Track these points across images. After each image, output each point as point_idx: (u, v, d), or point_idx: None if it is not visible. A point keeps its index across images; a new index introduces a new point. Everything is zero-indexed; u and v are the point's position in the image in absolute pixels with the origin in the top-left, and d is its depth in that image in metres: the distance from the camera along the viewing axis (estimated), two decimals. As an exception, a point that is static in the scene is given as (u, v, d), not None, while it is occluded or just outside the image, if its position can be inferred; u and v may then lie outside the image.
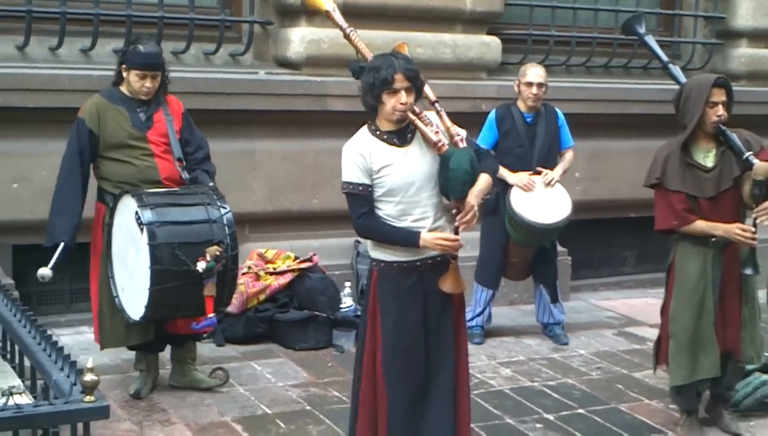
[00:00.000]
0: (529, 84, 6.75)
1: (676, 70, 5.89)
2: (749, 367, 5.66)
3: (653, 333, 7.28)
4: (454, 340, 4.40)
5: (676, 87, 8.23)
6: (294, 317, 6.65)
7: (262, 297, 6.73)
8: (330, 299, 6.84)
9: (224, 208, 5.27)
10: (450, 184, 4.19)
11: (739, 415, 5.69)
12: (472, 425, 4.67)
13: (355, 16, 6.99)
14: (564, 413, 5.74)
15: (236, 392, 5.80)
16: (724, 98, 5.15)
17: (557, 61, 8.37)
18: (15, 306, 4.51)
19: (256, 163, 7.24)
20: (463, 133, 4.35)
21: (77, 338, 6.47)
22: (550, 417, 5.66)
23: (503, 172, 6.57)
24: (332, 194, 7.35)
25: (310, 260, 6.98)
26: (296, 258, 7.01)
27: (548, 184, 6.71)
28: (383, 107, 4.18)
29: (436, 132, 4.25)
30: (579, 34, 8.44)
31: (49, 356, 3.83)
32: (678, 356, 5.32)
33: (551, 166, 6.84)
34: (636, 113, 8.48)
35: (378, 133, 4.26)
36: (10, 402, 3.35)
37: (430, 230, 4.25)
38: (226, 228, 5.22)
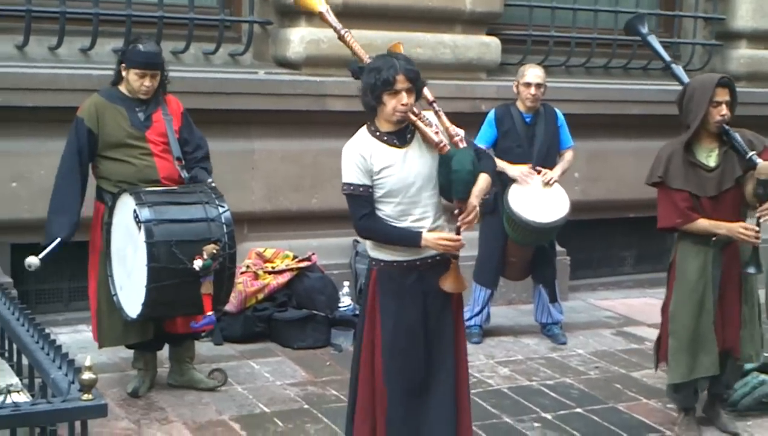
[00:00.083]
0: (528, 84, 6.76)
1: (679, 70, 5.90)
2: (747, 366, 5.67)
3: (652, 333, 7.31)
4: (453, 338, 4.41)
5: (676, 88, 8.26)
6: (292, 316, 6.66)
7: (260, 296, 6.74)
8: (328, 298, 6.85)
9: (222, 206, 5.28)
10: (453, 184, 4.19)
11: (737, 415, 5.69)
12: (470, 425, 4.68)
13: (355, 16, 7.04)
14: (562, 412, 5.74)
15: (234, 390, 5.81)
16: (727, 98, 5.16)
17: (557, 61, 8.37)
18: (13, 305, 4.52)
19: (255, 163, 7.24)
20: (461, 132, 4.36)
21: (75, 337, 6.48)
22: (548, 416, 5.67)
23: (502, 164, 6.56)
24: (331, 194, 7.36)
25: (308, 259, 6.99)
26: (295, 257, 7.02)
27: (547, 183, 6.71)
28: (384, 108, 4.18)
29: (437, 132, 4.26)
30: (578, 35, 8.45)
31: (47, 354, 3.83)
32: (677, 354, 5.33)
33: (550, 166, 6.84)
34: (635, 114, 8.49)
35: (378, 133, 4.26)
36: (8, 400, 3.36)
37: (430, 230, 4.26)
38: (224, 227, 5.23)
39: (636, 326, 7.63)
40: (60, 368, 3.66)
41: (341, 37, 4.68)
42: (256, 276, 6.79)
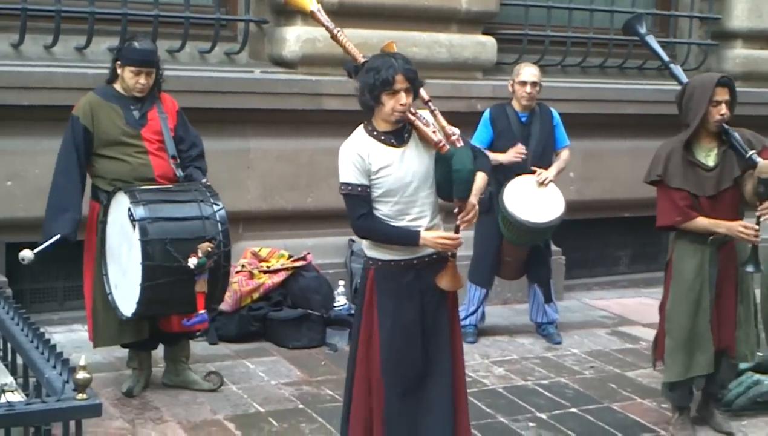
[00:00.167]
0: (523, 83, 6.77)
1: (677, 69, 5.91)
2: (742, 366, 5.68)
3: (646, 333, 7.34)
4: (449, 335, 4.43)
5: (672, 87, 8.27)
6: (287, 316, 6.66)
7: (255, 295, 6.74)
8: (324, 297, 6.84)
9: (217, 205, 5.27)
10: (454, 184, 4.19)
11: (731, 414, 5.70)
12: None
13: (351, 15, 7.04)
14: (557, 412, 5.75)
15: (229, 390, 5.80)
16: (727, 97, 5.17)
17: (552, 61, 8.38)
18: (8, 304, 4.51)
19: (251, 162, 7.24)
20: (457, 131, 4.37)
21: (70, 336, 6.47)
22: (543, 416, 5.67)
23: (494, 155, 6.53)
24: (327, 193, 7.37)
25: (304, 258, 6.99)
26: (290, 257, 7.02)
27: (542, 183, 6.71)
28: (382, 108, 4.18)
29: (434, 131, 4.27)
30: (574, 34, 8.45)
31: (42, 353, 3.83)
32: (674, 352, 5.34)
33: (546, 166, 6.84)
34: (631, 113, 8.49)
35: (375, 133, 4.26)
36: (2, 400, 3.36)
37: (427, 229, 4.27)
38: (219, 225, 5.23)
39: (631, 326, 7.63)
40: (54, 367, 3.66)
41: (334, 37, 4.68)
42: (252, 275, 6.79)
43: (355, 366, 4.42)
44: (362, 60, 4.51)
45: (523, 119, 6.85)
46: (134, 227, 5.10)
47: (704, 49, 9.13)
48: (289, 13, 7.31)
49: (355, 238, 7.32)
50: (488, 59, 7.95)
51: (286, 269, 6.85)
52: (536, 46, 8.25)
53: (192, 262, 5.04)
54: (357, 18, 7.13)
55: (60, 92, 6.31)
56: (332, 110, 7.27)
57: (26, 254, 5.25)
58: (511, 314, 7.70)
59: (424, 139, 4.27)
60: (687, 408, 5.53)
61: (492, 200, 6.63)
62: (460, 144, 4.29)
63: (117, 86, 5.50)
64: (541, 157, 6.85)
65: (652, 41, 6.10)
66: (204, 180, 5.51)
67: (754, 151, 5.13)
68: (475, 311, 6.97)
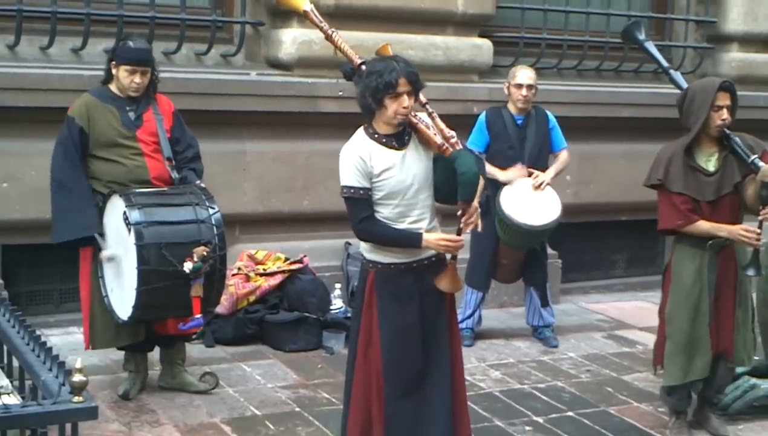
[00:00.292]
0: (519, 86, 6.76)
1: (677, 75, 5.91)
2: (738, 370, 5.68)
3: (643, 336, 7.34)
4: (448, 337, 4.44)
5: (667, 91, 8.29)
6: (284, 319, 6.65)
7: (252, 298, 6.73)
8: (320, 300, 6.83)
9: (213, 208, 5.26)
10: (460, 186, 4.20)
11: (727, 418, 5.69)
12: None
13: (347, 17, 7.04)
14: (553, 415, 5.74)
15: (225, 393, 5.79)
16: (728, 102, 5.18)
17: (548, 64, 8.38)
18: (4, 306, 4.51)
19: (247, 164, 7.23)
20: (454, 134, 4.38)
21: (66, 339, 6.45)
22: (540, 420, 5.66)
23: (493, 170, 6.57)
24: (323, 196, 7.37)
25: (300, 261, 6.98)
26: (286, 259, 7.01)
27: (538, 187, 6.71)
28: (384, 111, 4.18)
29: (435, 134, 4.30)
30: (570, 37, 8.45)
31: (38, 356, 3.82)
32: (673, 356, 5.34)
33: (542, 168, 6.84)
34: (627, 117, 8.50)
35: (376, 136, 4.26)
36: (-1, 403, 3.35)
37: (426, 232, 4.28)
38: (215, 228, 5.21)
39: (627, 330, 7.63)
40: (51, 370, 3.65)
41: (329, 37, 4.67)
42: (248, 278, 6.78)
43: (354, 368, 4.42)
44: (359, 61, 4.51)
45: (519, 122, 6.85)
46: (129, 231, 5.08)
47: (700, 52, 9.14)
48: (285, 15, 7.30)
49: (351, 240, 7.36)
50: (484, 62, 7.95)
51: (283, 271, 6.84)
52: (532, 49, 8.25)
53: (188, 266, 5.03)
54: (353, 20, 7.13)
55: (56, 94, 6.30)
56: (328, 112, 7.27)
57: (110, 253, 5.24)
58: (508, 318, 7.69)
59: (425, 142, 4.28)
60: (684, 412, 5.52)
61: (489, 203, 6.62)
62: (458, 147, 4.30)
63: (112, 87, 5.48)
64: (536, 160, 6.84)
65: (652, 48, 6.10)
66: (198, 182, 5.50)
67: (756, 155, 5.13)
68: (472, 315, 6.97)
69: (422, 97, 4.40)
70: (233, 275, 6.71)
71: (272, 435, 5.26)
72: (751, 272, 5.24)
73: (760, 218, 5.10)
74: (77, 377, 3.36)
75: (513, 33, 8.24)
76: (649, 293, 8.66)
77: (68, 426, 3.44)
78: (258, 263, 6.99)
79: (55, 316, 6.85)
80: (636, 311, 8.15)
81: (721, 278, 5.30)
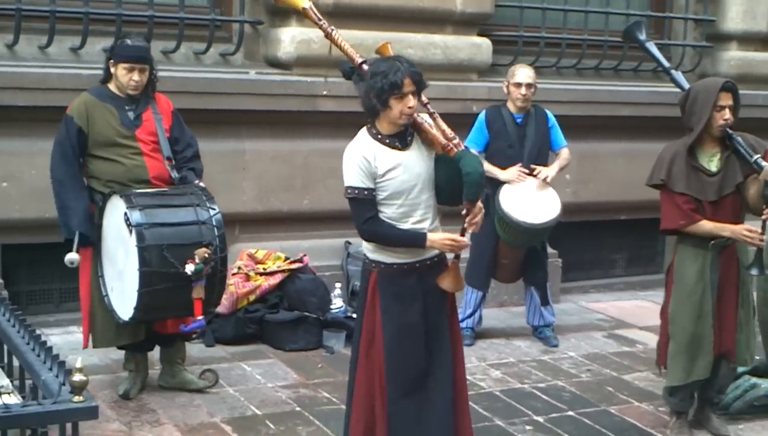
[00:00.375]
0: (518, 85, 6.76)
1: (678, 75, 5.90)
2: (739, 370, 5.68)
3: (643, 336, 7.35)
4: (450, 336, 4.47)
5: (666, 90, 8.29)
6: (284, 318, 6.64)
7: (252, 298, 6.72)
8: (320, 299, 6.82)
9: (213, 209, 5.25)
10: (465, 186, 4.22)
11: (728, 418, 5.69)
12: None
13: (346, 16, 7.03)
14: (554, 415, 5.74)
15: (226, 392, 5.78)
16: (731, 102, 5.18)
17: (547, 62, 8.37)
18: (4, 306, 4.50)
19: (246, 164, 7.22)
20: (455, 135, 4.39)
21: (67, 338, 6.44)
22: (540, 419, 5.66)
23: (493, 169, 6.57)
24: (322, 195, 7.36)
25: (300, 260, 6.97)
26: (286, 259, 7.00)
27: (543, 180, 6.69)
28: (389, 111, 4.18)
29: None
30: (569, 36, 8.45)
31: (38, 355, 3.82)
32: (676, 356, 5.34)
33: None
34: (626, 115, 8.49)
35: (380, 136, 4.27)
36: (-1, 402, 3.35)
37: (429, 232, 4.30)
38: (215, 230, 5.20)
39: (627, 329, 7.62)
40: (51, 369, 3.65)
41: (328, 35, 4.66)
42: (248, 277, 6.77)
43: (357, 368, 4.42)
44: (359, 60, 4.51)
45: (519, 121, 6.84)
46: (131, 232, 5.07)
47: (699, 51, 9.14)
48: (284, 14, 7.30)
49: (351, 240, 7.35)
50: (483, 61, 7.95)
51: (283, 271, 6.83)
52: (531, 47, 8.25)
53: (189, 268, 5.02)
54: (352, 19, 7.12)
55: (55, 93, 6.29)
56: (327, 111, 7.26)
57: (74, 257, 5.21)
58: (508, 317, 7.68)
59: (428, 142, 4.30)
60: (685, 413, 5.52)
61: (488, 202, 6.62)
62: (461, 147, 4.32)
63: (111, 86, 5.47)
64: (536, 158, 6.83)
65: (653, 48, 6.09)
66: (197, 181, 5.49)
67: (758, 155, 5.13)
68: (472, 314, 6.96)
69: (423, 97, 4.40)
70: (233, 274, 6.70)
71: (273, 435, 5.25)
72: (754, 272, 5.25)
73: (763, 217, 5.10)
74: (77, 377, 3.35)
75: (512, 32, 8.23)
76: (648, 292, 8.67)
77: (69, 426, 3.44)
78: (258, 262, 6.98)
79: (55, 315, 6.85)
80: (636, 310, 8.15)
81: (723, 277, 5.30)
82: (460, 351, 4.55)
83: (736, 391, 5.75)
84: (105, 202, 5.33)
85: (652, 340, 7.11)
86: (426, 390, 4.38)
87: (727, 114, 5.15)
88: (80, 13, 6.65)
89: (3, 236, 6.54)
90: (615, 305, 8.31)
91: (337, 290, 7.03)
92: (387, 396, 4.33)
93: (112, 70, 5.43)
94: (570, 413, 5.79)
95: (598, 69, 8.74)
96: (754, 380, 5.78)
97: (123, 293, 5.17)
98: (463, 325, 6.78)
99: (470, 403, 5.54)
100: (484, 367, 6.52)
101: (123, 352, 5.73)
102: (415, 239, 4.27)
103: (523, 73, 6.80)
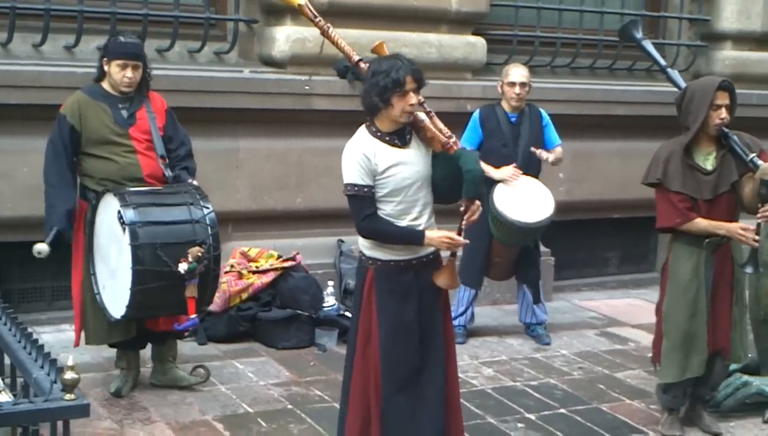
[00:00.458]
0: (512, 84, 6.77)
1: (675, 74, 5.91)
2: (731, 368, 5.70)
3: (635, 333, 7.36)
4: (443, 333, 4.50)
5: (661, 89, 8.31)
6: (276, 316, 6.64)
7: (244, 296, 6.72)
8: (313, 298, 6.83)
9: (207, 208, 5.25)
10: (466, 184, 4.27)
11: (719, 415, 5.71)
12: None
13: (341, 15, 7.03)
14: (546, 412, 5.75)
15: (218, 390, 5.79)
16: (727, 101, 5.19)
17: (542, 62, 8.38)
18: (-5, 303, 4.49)
19: (240, 162, 7.22)
20: (451, 134, 4.43)
21: (58, 336, 6.44)
22: (532, 417, 5.68)
23: (487, 168, 6.57)
24: (316, 193, 7.37)
25: (293, 258, 6.97)
26: (279, 257, 7.00)
27: (546, 160, 6.69)
28: (391, 109, 4.21)
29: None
30: (564, 35, 8.46)
31: (29, 353, 3.81)
32: (671, 353, 5.36)
33: (535, 167, 6.85)
34: (620, 114, 8.50)
35: (379, 134, 4.29)
36: (-10, 400, 3.34)
37: (426, 229, 4.34)
38: (209, 228, 5.20)
39: (620, 327, 7.64)
40: (42, 367, 3.64)
41: (324, 33, 4.66)
42: (241, 276, 6.77)
43: (353, 366, 4.44)
44: (356, 58, 4.53)
45: (513, 120, 6.85)
46: (124, 230, 5.07)
47: (693, 50, 9.15)
48: (278, 13, 7.30)
49: (344, 238, 7.36)
50: (478, 60, 7.96)
51: (275, 269, 6.84)
52: (526, 46, 8.25)
53: (182, 267, 5.02)
54: (347, 18, 7.12)
55: (49, 91, 6.29)
56: (322, 110, 7.27)
57: (42, 248, 5.22)
58: (500, 315, 7.70)
59: (427, 140, 4.34)
60: (677, 409, 5.54)
61: (482, 201, 6.61)
62: (458, 146, 4.38)
63: (105, 84, 5.48)
64: (530, 157, 6.83)
65: (649, 46, 6.10)
66: (190, 180, 5.49)
67: (754, 154, 5.15)
68: (465, 312, 6.97)
69: (420, 97, 4.42)
70: (226, 272, 6.70)
71: (264, 432, 5.26)
72: (749, 270, 5.27)
73: (758, 216, 5.12)
74: (69, 375, 3.34)
75: (506, 31, 8.24)
76: (641, 290, 8.69)
77: (60, 424, 3.42)
78: (251, 260, 6.98)
79: (47, 313, 6.85)
80: (628, 308, 8.17)
81: (717, 275, 5.32)
82: (452, 349, 4.58)
83: (728, 389, 5.77)
84: (98, 200, 5.33)
85: (644, 338, 7.15)
86: (419, 387, 4.41)
87: (723, 113, 5.16)
88: (74, 11, 6.65)
89: (-5, 233, 6.54)
90: (607, 303, 8.33)
91: (330, 288, 7.04)
92: (381, 392, 4.36)
93: (106, 68, 5.43)
94: (562, 410, 5.81)
95: (593, 68, 8.75)
96: (745, 377, 5.80)
97: (115, 291, 5.18)
98: (455, 323, 6.75)
99: (462, 401, 5.55)
100: (476, 365, 6.53)
101: (115, 350, 5.74)
102: (413, 236, 4.30)
103: (517, 72, 6.81)
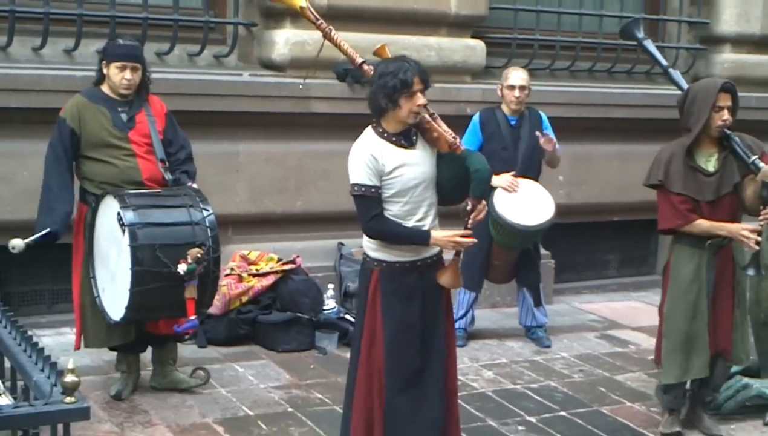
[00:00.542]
0: (512, 87, 6.77)
1: (676, 75, 5.91)
2: (731, 370, 5.70)
3: (635, 336, 7.36)
4: (445, 333, 4.52)
5: (660, 92, 8.32)
6: (276, 319, 6.64)
7: (244, 299, 6.72)
8: (313, 300, 6.83)
9: (207, 210, 5.26)
10: (474, 183, 4.32)
11: (720, 418, 5.71)
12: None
13: (340, 18, 7.03)
14: (546, 415, 5.75)
15: (218, 393, 5.79)
16: (729, 103, 5.19)
17: (541, 65, 8.39)
18: (-4, 307, 4.48)
19: (240, 165, 7.23)
20: (455, 135, 4.47)
21: (58, 339, 6.44)
22: (533, 420, 5.67)
23: None
24: (315, 196, 7.37)
25: (293, 261, 6.97)
26: (279, 260, 7.01)
27: (548, 142, 6.67)
28: (399, 110, 4.23)
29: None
30: (563, 38, 8.47)
31: (30, 357, 3.81)
32: (671, 354, 5.36)
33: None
34: (619, 117, 8.50)
35: (386, 135, 4.31)
36: (-10, 403, 3.34)
37: (429, 229, 4.36)
38: (209, 230, 5.21)
39: (620, 330, 7.63)
40: (42, 370, 3.64)
41: (326, 35, 4.66)
42: (241, 278, 6.77)
43: (357, 369, 4.45)
44: (360, 60, 4.54)
45: (513, 123, 6.85)
46: (124, 232, 5.08)
47: (693, 53, 9.16)
48: (278, 16, 7.31)
49: (344, 241, 7.36)
50: (477, 63, 7.96)
51: (276, 272, 6.84)
52: (525, 50, 8.26)
53: (182, 268, 5.02)
54: (346, 21, 7.12)
55: (48, 94, 6.30)
56: (321, 113, 7.27)
57: (17, 243, 5.23)
58: (501, 318, 7.69)
59: (434, 140, 4.37)
60: (677, 410, 5.54)
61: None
62: (463, 147, 4.41)
63: (104, 88, 5.48)
64: (530, 161, 6.84)
65: (651, 46, 6.09)
66: (190, 183, 5.50)
67: (756, 156, 5.15)
68: (465, 315, 6.97)
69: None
70: (226, 275, 6.71)
71: (265, 435, 5.26)
72: (751, 272, 5.26)
73: (760, 218, 5.12)
74: (69, 378, 3.34)
75: (506, 34, 8.24)
76: (641, 293, 8.69)
77: (60, 427, 3.43)
78: (251, 263, 6.98)
79: (47, 316, 6.85)
80: (628, 311, 8.16)
81: (719, 277, 5.32)
82: (453, 350, 4.60)
83: (728, 391, 5.76)
84: (98, 203, 5.33)
85: (644, 340, 7.15)
86: (421, 387, 4.42)
87: (725, 115, 5.16)
88: (74, 14, 6.66)
89: (-5, 236, 6.54)
90: (607, 306, 8.32)
91: (330, 291, 7.03)
92: (385, 391, 4.37)
93: (105, 70, 5.44)
94: (562, 413, 5.80)
95: (592, 71, 8.76)
96: (746, 380, 5.80)
97: (115, 293, 5.18)
98: (455, 326, 6.77)
99: (463, 403, 5.59)
100: (476, 367, 6.53)
101: (115, 353, 5.74)
102: (419, 237, 4.33)
103: (516, 75, 6.81)
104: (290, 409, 5.62)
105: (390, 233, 4.33)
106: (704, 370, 5.32)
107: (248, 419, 5.44)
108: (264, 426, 5.36)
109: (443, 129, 4.39)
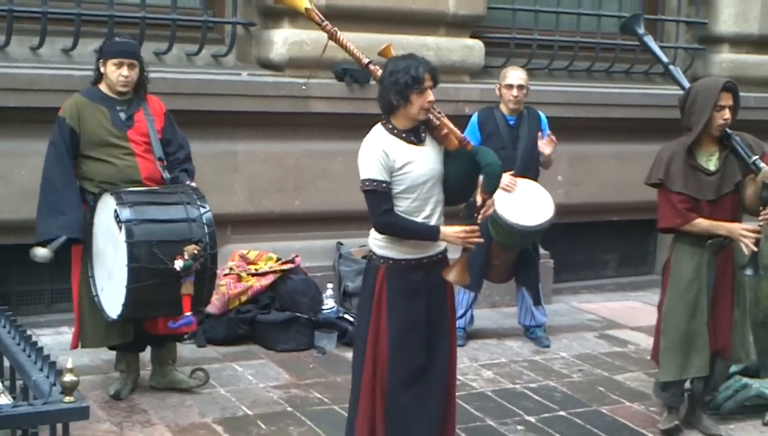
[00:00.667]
0: (510, 86, 6.77)
1: (677, 71, 5.91)
2: (731, 370, 5.70)
3: (634, 336, 7.36)
4: (448, 330, 4.55)
5: (658, 91, 8.32)
6: (276, 319, 6.64)
7: (243, 298, 6.72)
8: (312, 300, 6.82)
9: (204, 207, 5.26)
10: (486, 178, 4.36)
11: (719, 418, 5.71)
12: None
13: (338, 18, 6.96)
14: (545, 415, 5.74)
15: (217, 393, 5.78)
16: (731, 102, 5.19)
17: (540, 64, 8.39)
18: (-6, 306, 4.48)
19: (238, 165, 7.22)
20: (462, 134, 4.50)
21: (57, 339, 6.43)
22: (532, 419, 5.67)
23: None
24: (314, 196, 7.37)
25: (292, 261, 6.97)
26: (278, 259, 7.00)
27: (550, 145, 6.68)
28: (409, 107, 4.25)
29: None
30: (561, 38, 8.46)
31: (29, 356, 3.81)
32: (669, 352, 5.36)
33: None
34: (617, 117, 8.50)
35: (396, 131, 4.34)
36: (-11, 402, 3.34)
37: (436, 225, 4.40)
38: (206, 227, 5.21)
39: (619, 329, 7.63)
40: (41, 370, 3.64)
41: (332, 36, 4.64)
42: (239, 278, 6.77)
43: (362, 368, 4.44)
44: (366, 60, 4.54)
45: (511, 122, 6.85)
46: (120, 228, 5.08)
47: (691, 53, 9.16)
48: (276, 16, 7.30)
49: (343, 241, 7.36)
50: (475, 63, 7.96)
51: (274, 271, 6.84)
52: (523, 49, 8.26)
53: (178, 264, 5.03)
54: (344, 21, 7.05)
55: (46, 94, 6.29)
56: (319, 113, 7.27)
57: (42, 253, 5.21)
58: (500, 318, 7.69)
59: (442, 137, 4.39)
60: (676, 408, 5.54)
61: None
62: (470, 145, 4.43)
63: (102, 87, 5.48)
64: (528, 160, 6.84)
65: (651, 42, 6.08)
66: (188, 181, 5.49)
67: (757, 156, 5.15)
68: (464, 315, 6.96)
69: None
70: (225, 275, 6.70)
71: (264, 435, 5.25)
72: (749, 272, 5.26)
73: (759, 219, 5.12)
74: (68, 377, 3.35)
75: (504, 34, 8.24)
76: (640, 292, 8.69)
77: (59, 426, 3.43)
78: (250, 263, 6.98)
79: (46, 316, 6.84)
80: (627, 310, 8.16)
81: (719, 277, 5.32)
82: (454, 348, 4.62)
83: (727, 391, 5.77)
84: (96, 201, 5.32)
85: (643, 340, 7.15)
86: (424, 385, 4.43)
87: (726, 114, 5.17)
88: (72, 14, 6.65)
89: (-6, 236, 6.54)
90: (606, 306, 8.32)
91: (329, 290, 7.03)
92: (387, 387, 4.37)
93: (102, 69, 5.44)
94: (561, 413, 5.80)
95: (590, 71, 8.76)
96: (745, 380, 5.79)
97: (112, 291, 5.17)
98: (455, 325, 6.79)
99: (462, 403, 5.60)
100: (475, 367, 6.53)
101: (114, 353, 5.73)
102: (429, 232, 4.35)
103: (514, 75, 6.81)
104: (289, 408, 5.61)
105: (400, 228, 4.34)
106: (704, 368, 5.33)
107: (247, 419, 5.43)
108: (263, 426, 5.35)
109: (450, 127, 4.41)
